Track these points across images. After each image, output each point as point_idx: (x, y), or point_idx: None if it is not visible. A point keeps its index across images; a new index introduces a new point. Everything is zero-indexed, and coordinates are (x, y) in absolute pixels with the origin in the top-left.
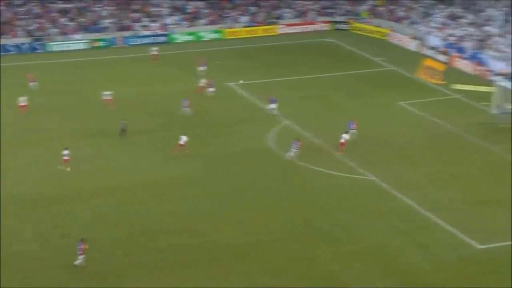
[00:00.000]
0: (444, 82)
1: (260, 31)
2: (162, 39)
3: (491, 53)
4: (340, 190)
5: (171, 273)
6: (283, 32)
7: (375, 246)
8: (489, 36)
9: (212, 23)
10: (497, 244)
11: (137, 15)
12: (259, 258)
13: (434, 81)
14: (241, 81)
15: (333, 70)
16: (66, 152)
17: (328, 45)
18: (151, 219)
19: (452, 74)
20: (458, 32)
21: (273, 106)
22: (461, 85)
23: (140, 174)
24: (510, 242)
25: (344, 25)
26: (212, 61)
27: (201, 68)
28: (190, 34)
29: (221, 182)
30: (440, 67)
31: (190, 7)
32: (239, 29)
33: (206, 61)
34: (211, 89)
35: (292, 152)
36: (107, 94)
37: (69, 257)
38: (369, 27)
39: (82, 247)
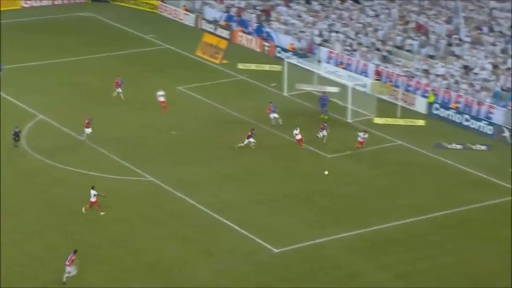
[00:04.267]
0: (227, 61)
1: None
2: None
3: (277, 26)
4: (111, 195)
5: None
6: (29, 5)
7: (156, 259)
8: (273, 6)
9: None
10: (294, 247)
11: None
12: None
13: (215, 60)
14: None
15: (95, 51)
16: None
17: (86, 20)
18: None
19: (236, 52)
20: (239, 3)
21: None
22: (246, 64)
23: None
24: (305, 243)
25: None
26: None
27: None
28: None
29: None
30: (222, 44)
31: None
32: None
33: None
34: None
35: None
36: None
37: None
38: None
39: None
